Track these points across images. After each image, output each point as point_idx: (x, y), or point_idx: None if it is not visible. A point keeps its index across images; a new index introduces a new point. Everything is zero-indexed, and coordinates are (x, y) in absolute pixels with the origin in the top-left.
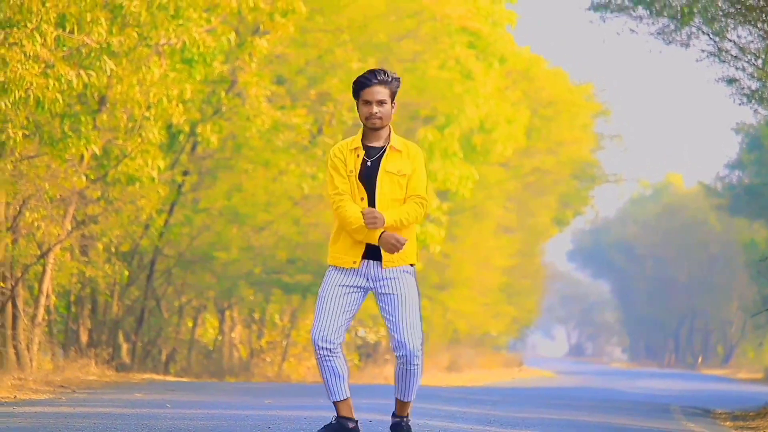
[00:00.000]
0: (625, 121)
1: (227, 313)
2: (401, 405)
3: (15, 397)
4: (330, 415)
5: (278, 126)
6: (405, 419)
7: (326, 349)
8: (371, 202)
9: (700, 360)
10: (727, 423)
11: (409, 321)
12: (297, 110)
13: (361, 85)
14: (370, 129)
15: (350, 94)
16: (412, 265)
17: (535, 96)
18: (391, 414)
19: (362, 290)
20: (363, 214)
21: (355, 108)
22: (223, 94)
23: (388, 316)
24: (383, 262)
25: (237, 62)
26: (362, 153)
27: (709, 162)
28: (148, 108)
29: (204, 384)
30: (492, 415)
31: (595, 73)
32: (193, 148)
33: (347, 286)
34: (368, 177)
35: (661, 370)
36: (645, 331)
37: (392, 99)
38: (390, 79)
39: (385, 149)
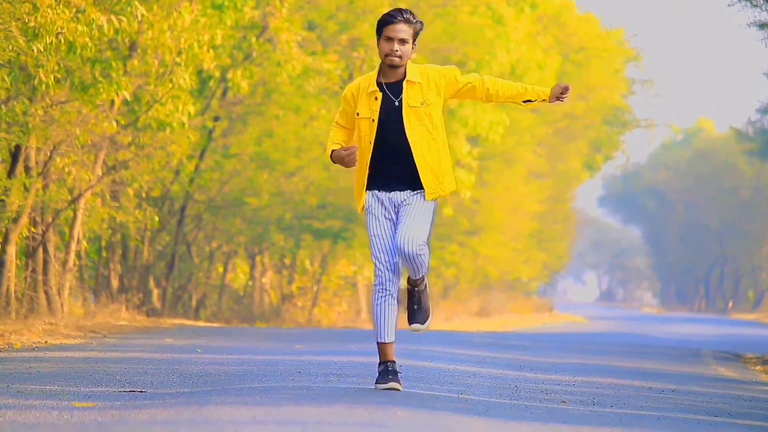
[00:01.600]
0: (656, 66)
1: (258, 258)
2: (413, 279)
3: (46, 342)
4: (364, 360)
5: (309, 71)
6: (417, 287)
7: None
8: (387, 143)
9: (730, 305)
10: (758, 367)
11: (411, 222)
12: (328, 56)
13: (384, 21)
14: (388, 66)
15: None
16: (436, 200)
17: (566, 41)
18: (407, 279)
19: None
20: (337, 154)
21: None
22: (253, 39)
23: (399, 222)
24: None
25: (268, 8)
26: (380, 95)
27: (740, 107)
28: (179, 53)
29: (234, 329)
30: (522, 360)
31: (627, 18)
32: (224, 93)
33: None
34: (394, 119)
35: (692, 315)
36: (676, 277)
37: (414, 40)
38: (415, 20)
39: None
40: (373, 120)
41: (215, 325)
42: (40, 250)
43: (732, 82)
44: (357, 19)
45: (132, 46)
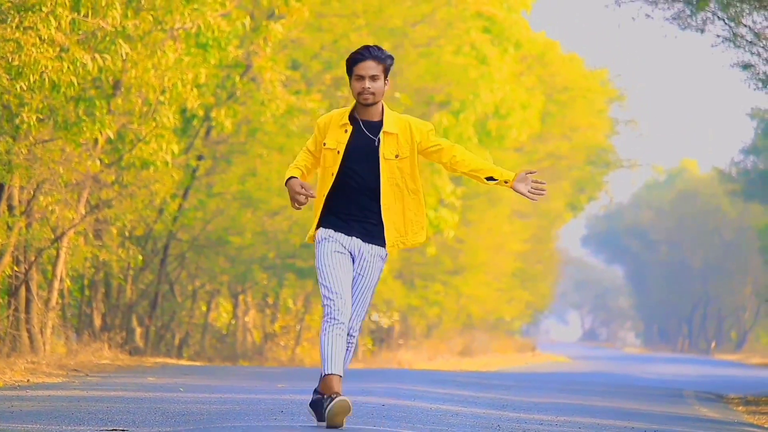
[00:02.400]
0: (640, 106)
1: (241, 297)
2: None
3: (28, 380)
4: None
5: (293, 111)
6: (323, 396)
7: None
8: (349, 180)
9: (713, 345)
10: (740, 408)
11: (364, 306)
12: (312, 95)
13: (353, 60)
14: (362, 105)
15: None
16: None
17: (550, 81)
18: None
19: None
20: (293, 185)
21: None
22: (237, 78)
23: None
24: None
25: (252, 47)
26: (350, 128)
27: (724, 147)
28: (163, 92)
29: (217, 368)
30: (505, 400)
31: (610, 59)
32: (208, 132)
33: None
34: (360, 156)
35: (675, 355)
36: (659, 317)
37: (385, 76)
38: (383, 56)
39: (379, 130)
40: (339, 152)
41: (198, 363)
42: (23, 288)
43: (716, 123)
44: (341, 58)
45: (116, 85)
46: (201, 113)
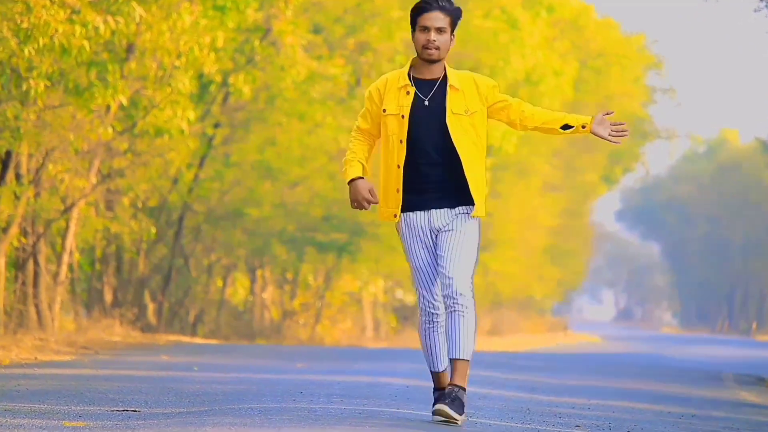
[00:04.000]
0: (678, 73)
1: (259, 272)
2: (454, 366)
3: (36, 358)
4: (369, 381)
5: (314, 77)
6: (456, 388)
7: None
8: (420, 145)
9: (754, 326)
10: None
11: (461, 258)
12: (334, 60)
13: (418, 10)
14: (425, 61)
15: (390, 44)
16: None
17: (584, 47)
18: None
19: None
20: (357, 189)
21: (394, 58)
22: (256, 42)
23: (440, 252)
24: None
25: (272, 9)
26: (413, 90)
27: (766, 117)
28: (179, 56)
29: (233, 346)
30: (536, 382)
31: (648, 24)
32: (225, 99)
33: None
34: (427, 118)
35: (714, 336)
36: (697, 296)
37: (452, 30)
38: (452, 7)
39: (444, 87)
40: (403, 116)
41: (213, 342)
42: (31, 261)
43: (757, 91)
44: (365, 22)
45: (129, 49)
46: (218, 79)
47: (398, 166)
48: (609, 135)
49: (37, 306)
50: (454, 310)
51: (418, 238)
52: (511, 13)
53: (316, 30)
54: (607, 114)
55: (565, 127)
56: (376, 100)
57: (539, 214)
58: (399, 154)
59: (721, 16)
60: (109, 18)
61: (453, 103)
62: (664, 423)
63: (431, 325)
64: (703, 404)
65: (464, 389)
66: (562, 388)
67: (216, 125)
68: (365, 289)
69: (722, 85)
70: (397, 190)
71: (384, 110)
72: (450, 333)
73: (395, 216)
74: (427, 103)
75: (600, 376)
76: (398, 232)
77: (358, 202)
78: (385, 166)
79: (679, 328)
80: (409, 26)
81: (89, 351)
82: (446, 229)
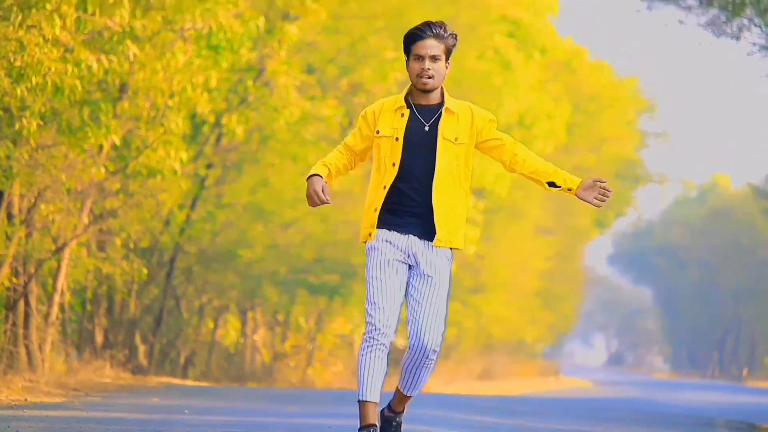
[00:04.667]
0: (671, 118)
1: (250, 314)
2: (400, 397)
3: (26, 399)
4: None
5: (307, 117)
6: (398, 417)
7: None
8: (410, 170)
9: (745, 372)
10: None
11: (434, 311)
12: (327, 101)
13: (412, 37)
14: (420, 90)
15: (384, 85)
16: (451, 249)
17: (577, 90)
18: (386, 406)
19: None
20: (313, 185)
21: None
22: (250, 82)
23: (415, 297)
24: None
25: (265, 49)
26: (407, 113)
27: (758, 162)
28: (172, 96)
29: (224, 389)
30: (527, 427)
31: (641, 67)
32: (218, 139)
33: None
34: (419, 142)
35: (705, 381)
36: (688, 341)
37: (447, 57)
38: (446, 34)
39: (440, 112)
40: (397, 138)
41: (204, 384)
42: (22, 302)
43: (749, 136)
44: (358, 63)
45: (122, 88)
46: (211, 119)
47: (384, 187)
48: (593, 199)
49: (27, 347)
50: (423, 365)
51: (392, 257)
52: (504, 54)
53: (310, 70)
54: (598, 181)
55: (552, 184)
56: (370, 121)
57: (531, 257)
58: (388, 176)
59: (714, 61)
60: (103, 57)
61: (445, 127)
62: None
63: (373, 351)
64: None
65: (401, 413)
66: None
67: (209, 166)
68: (357, 331)
69: (715, 129)
70: (375, 209)
71: (378, 132)
72: (410, 374)
73: (370, 235)
74: (427, 128)
75: (591, 421)
76: (367, 252)
77: (310, 197)
78: (371, 188)
79: (670, 373)
80: (404, 66)
81: (80, 393)
82: (423, 271)
